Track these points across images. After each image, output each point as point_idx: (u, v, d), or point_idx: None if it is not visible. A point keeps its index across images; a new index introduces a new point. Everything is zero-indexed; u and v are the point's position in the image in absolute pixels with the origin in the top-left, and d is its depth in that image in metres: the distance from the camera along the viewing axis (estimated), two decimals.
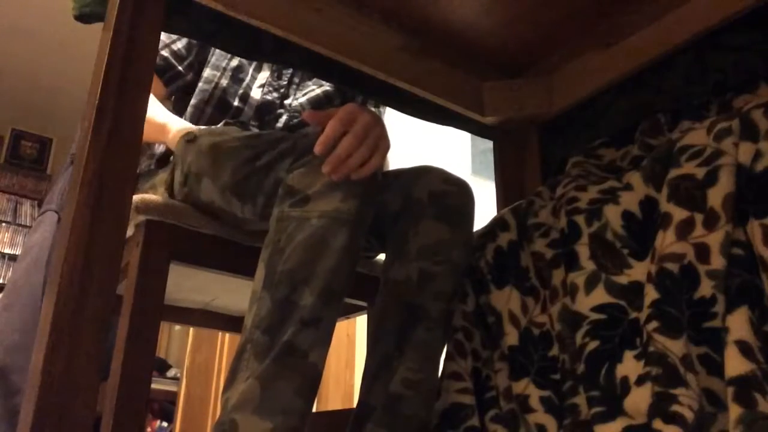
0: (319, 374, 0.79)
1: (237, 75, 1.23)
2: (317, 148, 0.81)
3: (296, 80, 1.28)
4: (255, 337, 0.77)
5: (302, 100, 1.26)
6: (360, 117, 0.84)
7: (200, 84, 1.22)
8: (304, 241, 0.79)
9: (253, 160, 0.90)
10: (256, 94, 1.23)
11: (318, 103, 1.27)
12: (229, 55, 1.24)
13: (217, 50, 1.24)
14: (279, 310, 0.77)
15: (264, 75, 1.25)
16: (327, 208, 0.80)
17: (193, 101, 1.21)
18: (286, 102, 1.25)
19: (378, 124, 0.86)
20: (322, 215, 0.80)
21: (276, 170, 0.86)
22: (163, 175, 1.11)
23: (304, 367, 0.77)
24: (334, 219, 0.80)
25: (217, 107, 1.20)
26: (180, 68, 1.24)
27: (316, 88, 1.28)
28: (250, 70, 1.25)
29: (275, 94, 1.24)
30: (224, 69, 1.23)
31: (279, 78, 1.26)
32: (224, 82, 1.21)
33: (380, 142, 0.85)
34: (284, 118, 1.23)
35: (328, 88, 1.29)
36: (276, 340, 0.76)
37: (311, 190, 0.81)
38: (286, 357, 0.76)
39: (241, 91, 1.22)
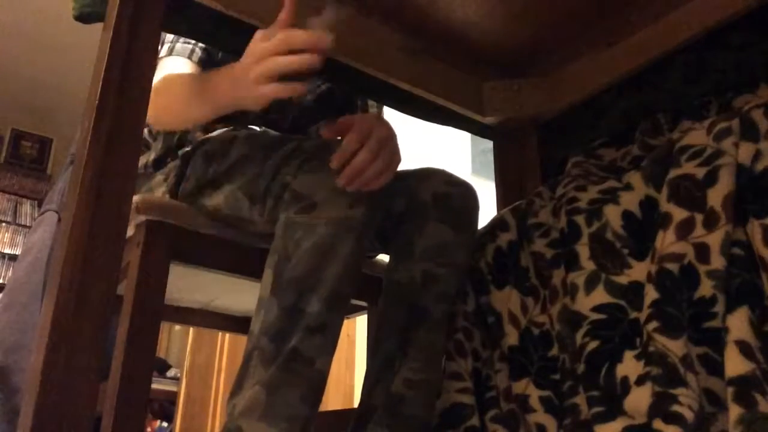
0: (324, 381, 0.79)
1: None
2: (334, 163, 0.82)
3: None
4: (262, 344, 0.77)
5: (309, 98, 1.25)
6: (376, 131, 0.85)
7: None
8: (312, 248, 0.79)
9: (263, 161, 0.90)
10: None
11: (323, 99, 1.26)
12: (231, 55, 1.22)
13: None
14: (286, 317, 0.78)
15: None
16: (334, 215, 0.80)
17: None
18: (293, 100, 1.24)
19: (392, 138, 0.88)
20: (329, 222, 0.79)
21: (282, 173, 0.86)
22: (160, 177, 1.10)
23: (310, 374, 0.77)
24: (342, 226, 0.80)
25: None
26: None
27: (320, 84, 1.27)
28: None
29: None
30: None
31: None
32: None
33: (393, 157, 0.87)
34: (291, 116, 1.22)
35: None
36: (283, 346, 0.77)
37: (318, 197, 0.81)
38: (292, 363, 0.76)
39: None
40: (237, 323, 1.39)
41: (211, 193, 0.98)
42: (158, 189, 1.08)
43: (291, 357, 0.76)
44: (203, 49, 1.14)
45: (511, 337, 0.95)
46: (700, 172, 0.77)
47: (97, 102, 0.80)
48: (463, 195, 1.00)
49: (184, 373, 2.71)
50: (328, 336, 0.79)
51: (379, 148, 0.84)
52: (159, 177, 1.10)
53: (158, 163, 1.15)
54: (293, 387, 0.76)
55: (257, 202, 0.90)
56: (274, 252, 0.82)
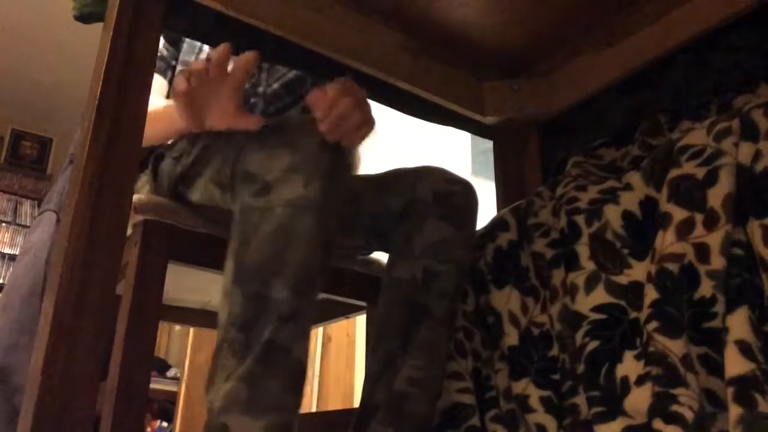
0: (304, 368, 0.78)
1: None
2: (320, 112, 0.80)
3: (266, 66, 1.25)
4: (230, 335, 0.76)
5: (276, 86, 1.24)
6: (356, 88, 0.86)
7: (174, 82, 1.19)
8: (270, 233, 0.77)
9: (225, 149, 0.89)
10: None
11: (292, 87, 1.25)
12: (196, 50, 1.20)
13: (185, 45, 1.21)
14: (252, 305, 0.76)
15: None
16: (290, 196, 0.77)
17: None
18: (260, 90, 1.23)
19: (367, 101, 0.89)
20: (286, 204, 0.77)
21: (241, 158, 0.84)
22: (144, 179, 1.10)
23: (289, 363, 0.76)
24: (299, 207, 0.77)
25: None
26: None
27: (287, 72, 1.25)
28: None
29: (246, 84, 1.21)
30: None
31: None
32: None
33: (371, 116, 0.87)
34: (260, 106, 1.21)
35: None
36: (252, 336, 0.75)
37: (270, 176, 0.78)
38: (270, 355, 0.75)
39: None
40: None
41: (188, 190, 0.99)
42: (143, 190, 1.08)
43: (267, 348, 0.74)
44: (173, 68, 1.16)
45: (511, 337, 0.95)
46: (700, 172, 0.77)
47: (97, 102, 0.80)
48: (463, 193, 1.00)
49: (184, 373, 2.71)
50: (300, 323, 0.77)
51: (362, 101, 0.84)
52: (143, 178, 1.11)
53: (142, 166, 1.15)
54: (273, 378, 0.74)
55: (227, 190, 0.88)
56: (234, 238, 0.80)
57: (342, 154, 0.83)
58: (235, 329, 0.76)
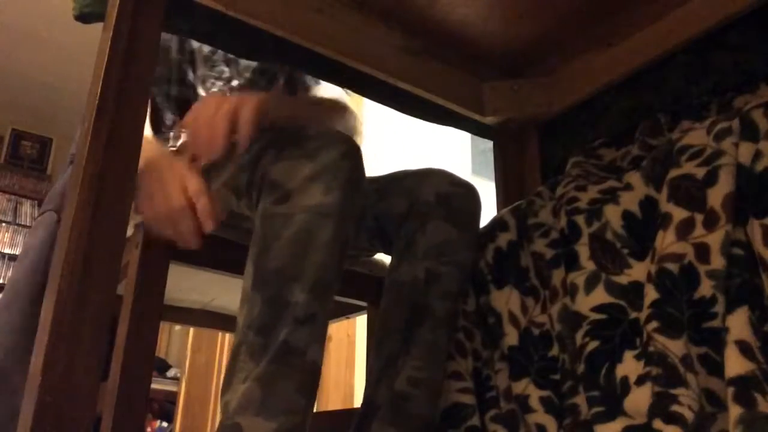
0: (319, 370, 0.79)
1: (183, 78, 1.20)
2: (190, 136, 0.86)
3: (232, 57, 1.25)
4: (249, 338, 0.77)
5: (248, 75, 1.24)
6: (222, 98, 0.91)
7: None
8: (290, 238, 0.79)
9: (240, 155, 0.90)
10: (201, 91, 1.20)
11: (264, 71, 1.24)
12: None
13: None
14: (271, 309, 0.77)
15: (202, 70, 1.22)
16: (310, 203, 0.79)
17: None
18: (234, 83, 1.23)
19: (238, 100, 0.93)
20: (306, 211, 0.79)
21: (262, 164, 0.86)
22: None
23: (303, 365, 0.77)
24: (319, 213, 0.79)
25: (176, 112, 1.19)
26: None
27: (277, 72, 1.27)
28: (188, 69, 1.22)
29: (219, 83, 1.22)
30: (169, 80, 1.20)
31: (214, 66, 1.22)
32: (174, 90, 1.19)
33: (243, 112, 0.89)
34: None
35: None
36: (270, 339, 0.76)
37: (292, 185, 0.80)
38: (284, 357, 0.76)
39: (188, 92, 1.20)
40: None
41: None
42: None
43: (282, 350, 0.75)
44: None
45: (511, 337, 0.95)
46: (700, 172, 0.77)
47: (97, 102, 0.80)
48: (466, 195, 1.00)
49: (184, 373, 2.71)
50: (317, 326, 0.78)
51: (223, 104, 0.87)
52: None
53: None
54: (287, 380, 0.75)
55: (243, 196, 0.90)
56: (254, 244, 0.82)
57: (361, 164, 0.85)
58: (252, 332, 0.77)
